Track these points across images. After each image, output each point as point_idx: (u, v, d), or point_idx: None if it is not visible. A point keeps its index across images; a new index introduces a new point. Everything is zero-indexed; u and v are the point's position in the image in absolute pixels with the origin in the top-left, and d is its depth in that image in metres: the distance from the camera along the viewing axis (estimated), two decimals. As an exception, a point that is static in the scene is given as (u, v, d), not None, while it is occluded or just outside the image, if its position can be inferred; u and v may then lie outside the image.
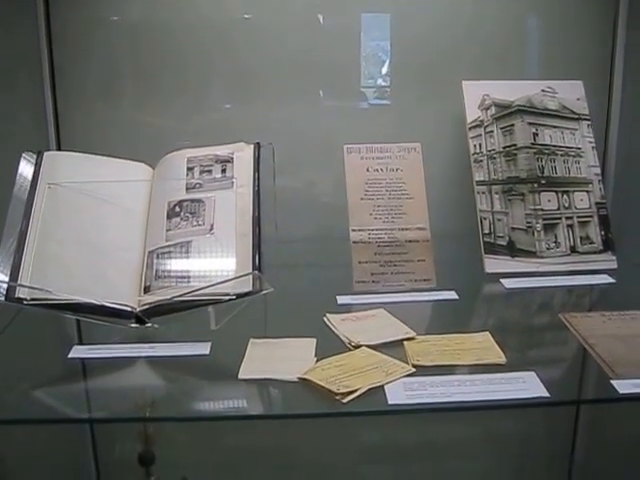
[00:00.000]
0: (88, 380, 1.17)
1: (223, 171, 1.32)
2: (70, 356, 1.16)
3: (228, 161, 1.33)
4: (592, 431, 1.78)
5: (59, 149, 1.61)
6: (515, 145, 1.54)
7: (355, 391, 1.00)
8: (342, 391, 0.99)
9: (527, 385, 1.03)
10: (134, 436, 1.59)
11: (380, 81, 1.68)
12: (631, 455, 1.74)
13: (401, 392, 1.01)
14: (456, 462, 1.84)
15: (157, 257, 1.24)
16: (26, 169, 1.31)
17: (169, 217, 1.28)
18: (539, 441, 1.85)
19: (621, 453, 1.74)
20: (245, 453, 1.77)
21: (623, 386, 1.01)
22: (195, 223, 1.26)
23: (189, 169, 1.33)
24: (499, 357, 1.11)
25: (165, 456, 1.70)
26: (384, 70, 1.68)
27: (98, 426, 1.75)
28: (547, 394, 1.00)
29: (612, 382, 1.02)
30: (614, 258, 1.51)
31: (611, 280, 1.45)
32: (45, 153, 1.35)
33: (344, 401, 0.99)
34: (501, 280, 1.43)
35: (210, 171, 1.32)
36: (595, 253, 1.51)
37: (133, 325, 1.20)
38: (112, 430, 1.75)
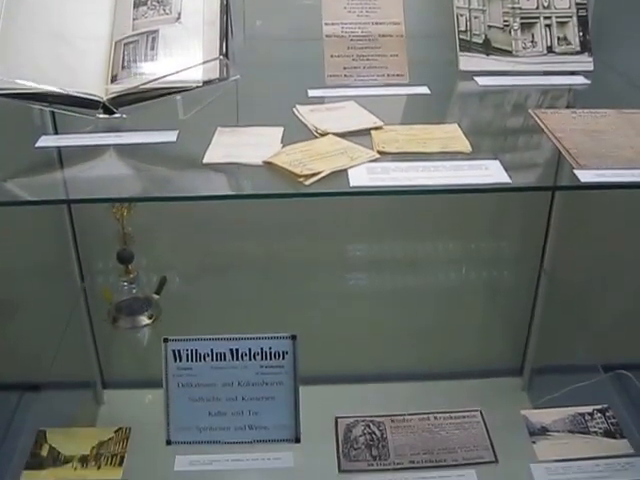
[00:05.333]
0: (57, 168, 1.16)
1: (191, -41, 1.28)
2: (38, 145, 1.15)
3: (197, -51, 1.29)
4: (562, 225, 1.83)
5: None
6: (497, -60, 1.49)
7: (318, 173, 1.01)
8: (305, 173, 1.00)
9: (490, 172, 1.04)
10: (113, 236, 1.63)
11: None
12: (597, 249, 1.81)
13: (364, 175, 1.02)
14: (429, 262, 1.90)
15: (124, 47, 1.22)
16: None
17: (136, 6, 1.25)
18: (510, 241, 1.91)
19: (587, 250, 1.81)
20: (222, 255, 1.81)
21: (585, 175, 1.02)
22: (162, 12, 1.23)
23: (157, -42, 1.30)
24: (465, 147, 1.12)
25: (145, 257, 1.76)
26: None
27: (77, 227, 1.77)
28: (509, 180, 1.02)
29: (575, 172, 1.03)
30: (590, 60, 1.48)
31: (586, 81, 1.44)
32: (7, -59, 1.30)
33: (307, 183, 1.00)
34: (475, 78, 1.41)
35: (178, -40, 1.28)
36: (572, 54, 1.48)
37: (101, 115, 1.18)
38: (91, 230, 1.78)
